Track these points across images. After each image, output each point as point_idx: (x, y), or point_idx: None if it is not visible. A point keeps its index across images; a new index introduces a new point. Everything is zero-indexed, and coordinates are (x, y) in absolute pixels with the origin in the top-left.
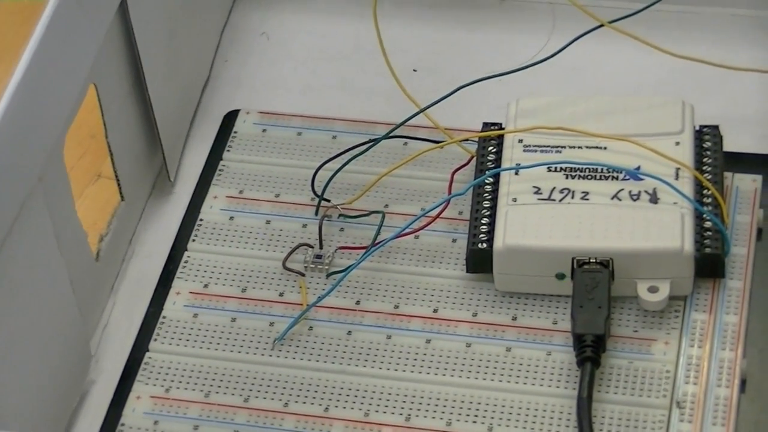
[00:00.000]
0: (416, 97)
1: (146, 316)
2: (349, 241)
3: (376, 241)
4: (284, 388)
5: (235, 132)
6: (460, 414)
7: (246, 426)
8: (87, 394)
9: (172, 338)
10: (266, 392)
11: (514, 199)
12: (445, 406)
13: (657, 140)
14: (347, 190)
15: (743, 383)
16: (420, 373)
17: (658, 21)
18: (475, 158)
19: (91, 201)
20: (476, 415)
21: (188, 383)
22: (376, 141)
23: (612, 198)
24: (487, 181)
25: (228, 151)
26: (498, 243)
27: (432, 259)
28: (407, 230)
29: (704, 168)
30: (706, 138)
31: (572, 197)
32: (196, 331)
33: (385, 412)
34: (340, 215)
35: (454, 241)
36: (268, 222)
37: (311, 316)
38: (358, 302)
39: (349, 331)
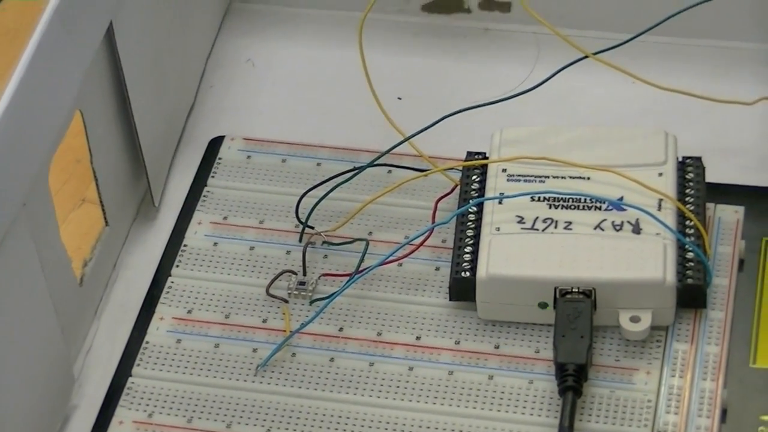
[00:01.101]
0: (401, 125)
1: (129, 341)
2: (333, 268)
3: (360, 269)
4: (267, 414)
5: (220, 158)
6: None
7: None
8: (69, 419)
9: (155, 363)
10: (249, 418)
11: (498, 229)
12: None
13: (640, 171)
14: (331, 218)
15: (724, 413)
16: (402, 400)
17: (642, 52)
18: (459, 187)
19: (75, 226)
20: None
21: (171, 408)
22: (360, 169)
23: (595, 228)
24: (470, 210)
25: (212, 177)
26: (481, 272)
27: (415, 287)
28: (391, 258)
29: (687, 199)
30: (689, 169)
31: (555, 227)
32: (179, 357)
33: None
34: (324, 242)
35: (437, 269)
36: (252, 248)
37: (294, 343)
38: (341, 329)
39: (332, 358)
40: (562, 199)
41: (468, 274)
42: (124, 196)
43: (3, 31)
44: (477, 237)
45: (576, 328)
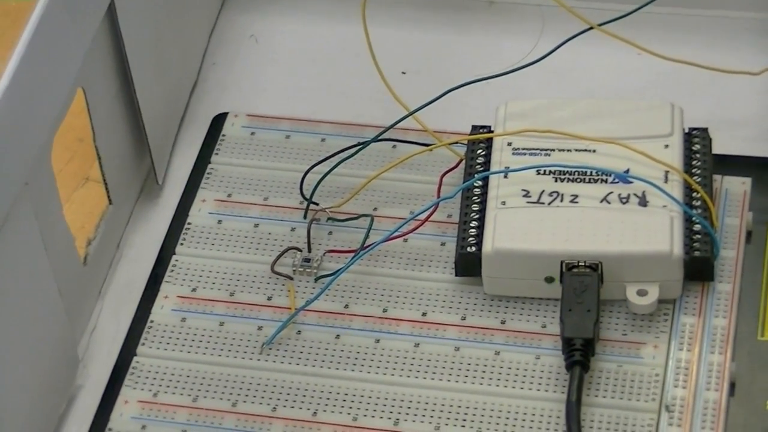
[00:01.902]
0: (405, 99)
1: (134, 320)
2: (338, 244)
3: (365, 245)
4: (272, 392)
5: (224, 135)
6: (448, 418)
7: (234, 431)
8: (74, 399)
9: (160, 342)
10: (254, 397)
11: (503, 203)
12: (433, 410)
13: (646, 143)
14: (336, 194)
15: (732, 387)
16: (408, 377)
17: (647, 23)
18: (464, 161)
19: (78, 205)
20: (465, 419)
21: (176, 388)
22: (365, 144)
23: (601, 201)
24: (476, 185)
25: (216, 154)
26: (487, 246)
27: (421, 262)
28: (396, 234)
29: (693, 171)
30: (696, 141)
31: (561, 200)
32: (184, 336)
33: (373, 417)
34: (329, 218)
35: (442, 244)
36: (256, 225)
37: (299, 320)
38: (346, 306)
39: (338, 335)
40: (567, 172)
41: (474, 249)
42: (127, 174)
43: (4, 12)
44: (482, 211)
45: (583, 302)
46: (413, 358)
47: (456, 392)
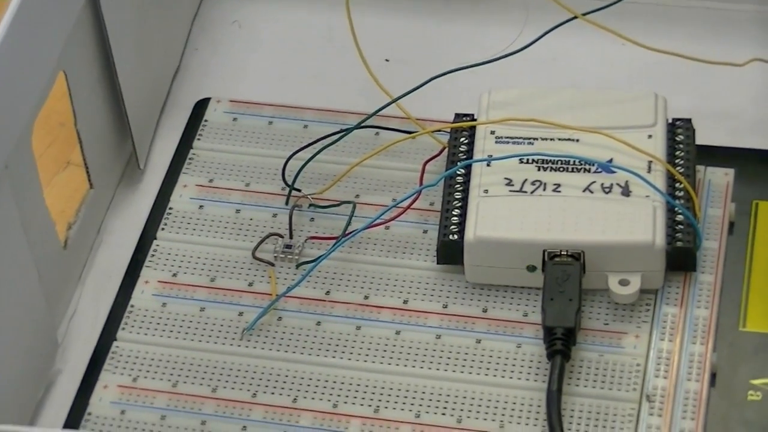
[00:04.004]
0: (389, 87)
1: (114, 305)
2: (320, 231)
3: (347, 232)
4: (252, 378)
5: (206, 120)
6: (429, 406)
7: (214, 416)
8: (53, 384)
9: (140, 327)
10: (234, 382)
11: (486, 191)
12: (414, 398)
13: (630, 133)
14: (318, 180)
15: (713, 377)
16: (389, 364)
17: (631, 14)
18: (446, 149)
19: (59, 189)
20: (445, 407)
21: (156, 373)
22: (347, 131)
23: (584, 190)
24: (458, 173)
25: (198, 139)
26: (469, 235)
27: (403, 250)
28: (378, 221)
29: (677, 161)
30: (679, 131)
31: (544, 189)
32: (165, 321)
33: (354, 404)
34: (311, 205)
35: (425, 232)
36: (237, 211)
37: (280, 307)
38: (327, 293)
39: (319, 322)
40: (550, 161)
41: (456, 237)
42: (108, 158)
43: None
44: (465, 200)
45: (564, 291)
46: (394, 346)
47: (437, 380)
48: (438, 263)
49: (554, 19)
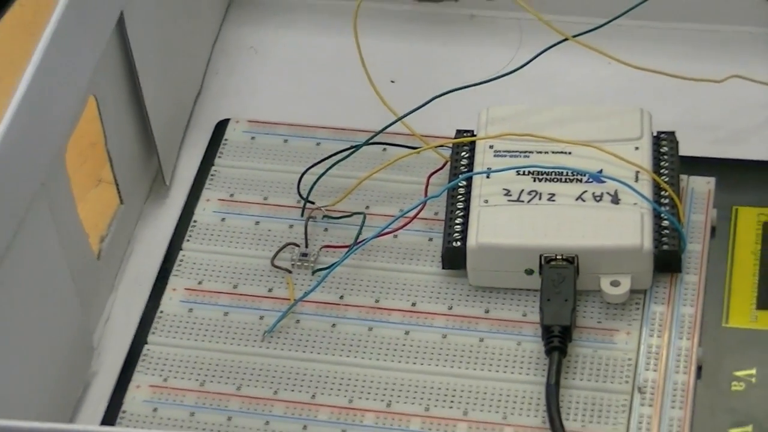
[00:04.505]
0: (394, 106)
1: (145, 311)
2: (333, 240)
3: (358, 240)
4: (274, 377)
5: (226, 139)
6: (437, 400)
7: (238, 412)
8: (90, 385)
9: (169, 331)
10: (257, 380)
11: (486, 201)
12: (423, 393)
13: (618, 145)
14: (331, 193)
15: (699, 369)
16: (399, 362)
17: (618, 35)
18: (449, 163)
19: (92, 204)
20: (452, 401)
21: (185, 373)
22: (357, 147)
23: (576, 199)
24: (460, 184)
25: (219, 157)
26: (471, 241)
27: (410, 256)
28: (387, 230)
29: (662, 171)
30: (664, 143)
31: (540, 198)
32: (192, 325)
33: (367, 399)
34: (324, 216)
35: (430, 240)
36: (257, 223)
37: (298, 310)
38: (341, 297)
39: (334, 324)
40: (545, 172)
41: (459, 243)
42: (137, 176)
43: (21, 24)
44: (467, 209)
45: (560, 292)
46: (404, 345)
47: (444, 376)
48: (443, 268)
49: (547, 41)
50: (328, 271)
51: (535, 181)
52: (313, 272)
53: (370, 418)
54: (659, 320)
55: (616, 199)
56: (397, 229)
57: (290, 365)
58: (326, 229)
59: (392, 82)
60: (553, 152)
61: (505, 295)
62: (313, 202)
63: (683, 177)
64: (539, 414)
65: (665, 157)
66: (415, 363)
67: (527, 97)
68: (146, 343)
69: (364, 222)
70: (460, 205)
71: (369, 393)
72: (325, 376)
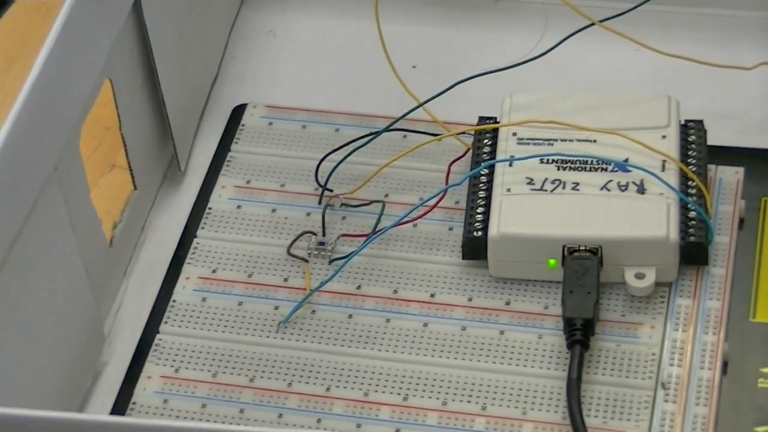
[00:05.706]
0: (415, 92)
1: (157, 299)
2: (351, 229)
3: (377, 229)
4: (288, 368)
5: (243, 125)
6: (455, 394)
7: (251, 405)
8: (100, 374)
9: (182, 321)
10: (271, 372)
11: (508, 190)
12: (441, 387)
13: (644, 134)
14: (349, 181)
15: (725, 365)
16: (417, 355)
17: (646, 21)
18: (471, 150)
19: (105, 190)
20: (470, 395)
21: (197, 364)
22: (376, 134)
23: (601, 189)
24: (482, 173)
25: (236, 143)
26: (492, 231)
27: (429, 246)
28: (406, 219)
29: (689, 160)
30: (691, 132)
31: (563, 188)
32: (205, 314)
33: (383, 392)
34: (342, 204)
35: (450, 229)
36: (273, 210)
37: (314, 300)
38: (358, 287)
39: (350, 315)
40: (569, 161)
41: (480, 233)
42: (151, 161)
43: (36, 8)
44: (488, 198)
45: (583, 284)
46: (422, 337)
47: (462, 369)
48: (463, 258)
49: (572, 26)
50: (345, 260)
51: (559, 169)
52: (330, 261)
53: (385, 412)
54: (684, 314)
55: (641, 189)
56: (416, 218)
57: (305, 357)
58: (344, 218)
59: (413, 67)
60: (577, 140)
61: (527, 286)
62: (331, 190)
63: (711, 167)
64: (560, 410)
65: (693, 146)
66: (433, 356)
67: (552, 83)
68: (158, 332)
69: (383, 210)
70: (481, 194)
71: (385, 386)
72: (340, 368)
